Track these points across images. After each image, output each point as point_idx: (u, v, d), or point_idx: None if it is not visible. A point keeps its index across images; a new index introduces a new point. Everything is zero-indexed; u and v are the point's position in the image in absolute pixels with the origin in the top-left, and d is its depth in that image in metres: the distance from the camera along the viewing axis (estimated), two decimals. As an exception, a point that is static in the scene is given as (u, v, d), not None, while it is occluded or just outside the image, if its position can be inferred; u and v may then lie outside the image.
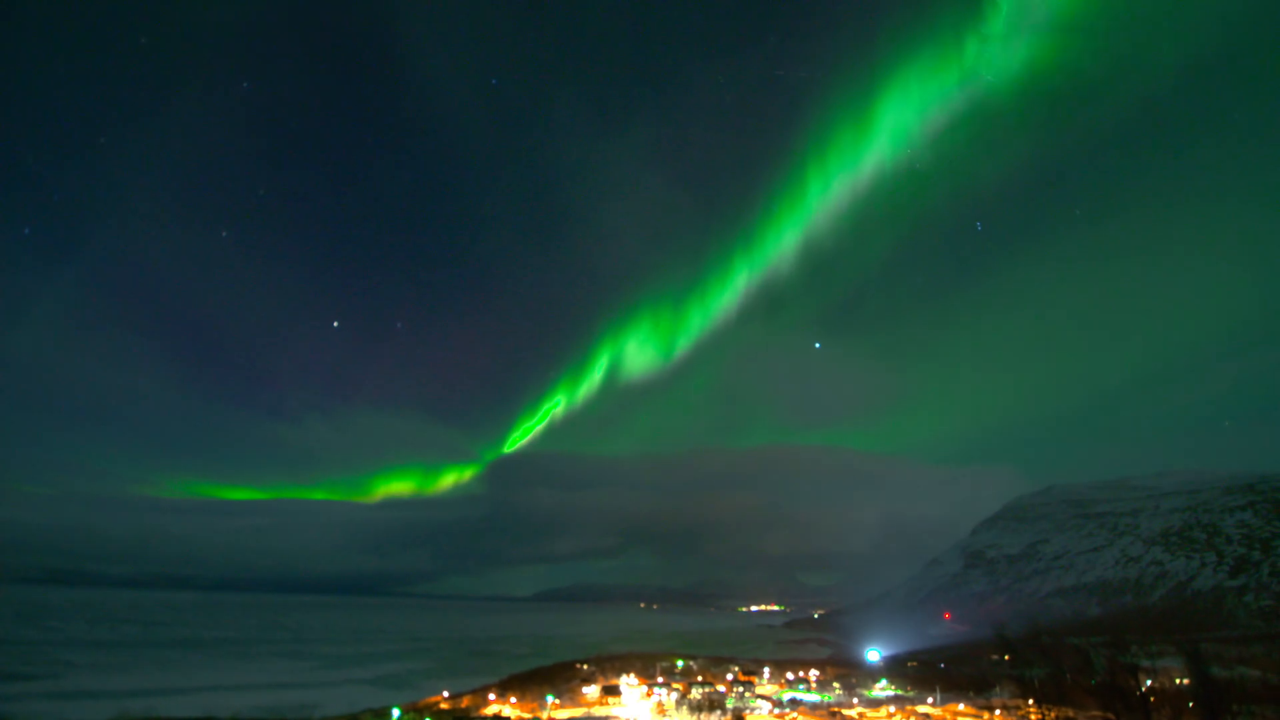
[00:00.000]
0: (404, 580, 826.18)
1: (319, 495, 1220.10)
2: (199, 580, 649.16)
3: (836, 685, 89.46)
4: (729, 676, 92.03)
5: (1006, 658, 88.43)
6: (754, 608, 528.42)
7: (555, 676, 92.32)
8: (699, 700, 74.55)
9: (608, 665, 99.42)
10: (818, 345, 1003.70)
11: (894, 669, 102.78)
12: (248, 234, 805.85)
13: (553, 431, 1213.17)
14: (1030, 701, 68.31)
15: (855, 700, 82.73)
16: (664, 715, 72.64)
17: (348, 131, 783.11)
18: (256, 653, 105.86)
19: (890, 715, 72.61)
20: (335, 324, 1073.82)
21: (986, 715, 71.54)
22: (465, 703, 79.05)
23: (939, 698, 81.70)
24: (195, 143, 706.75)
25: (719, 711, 70.36)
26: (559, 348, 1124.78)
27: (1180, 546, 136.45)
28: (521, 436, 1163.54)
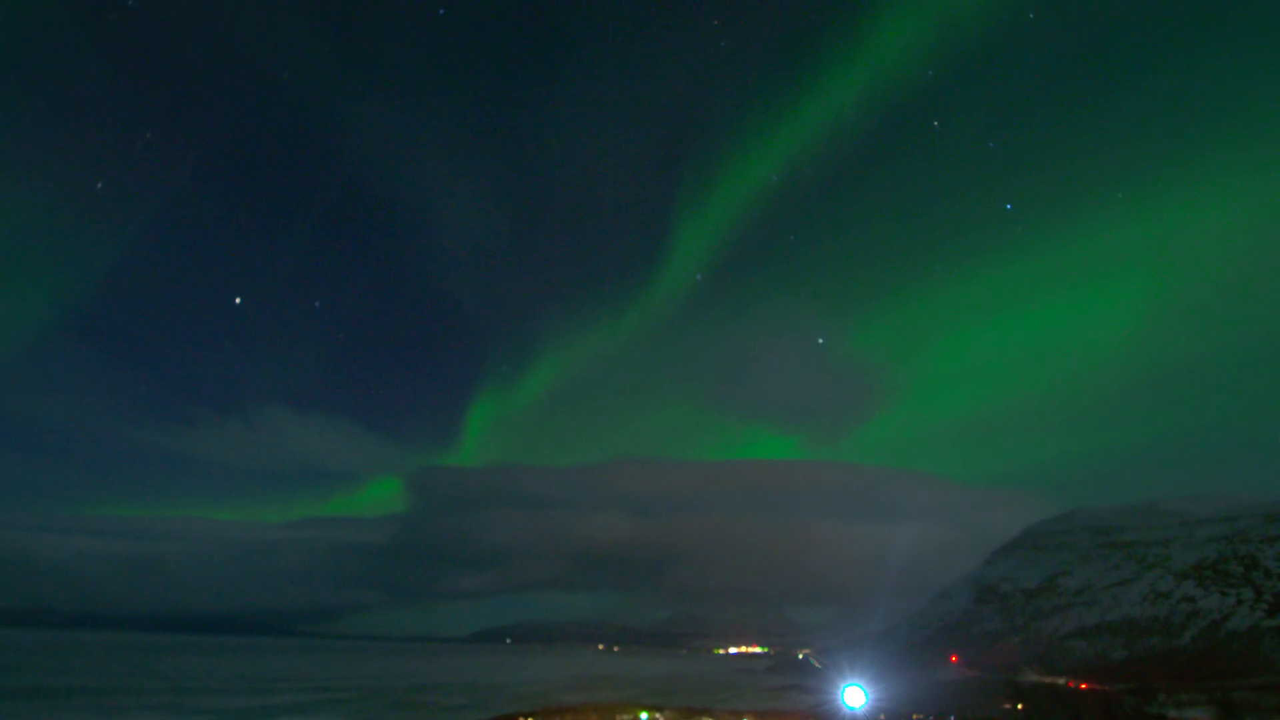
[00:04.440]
0: (312, 616, 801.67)
1: (210, 514, 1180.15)
2: (50, 615, 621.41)
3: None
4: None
5: (1020, 707, 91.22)
6: (732, 649, 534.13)
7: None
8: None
9: (558, 718, 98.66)
10: (820, 341, 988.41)
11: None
12: (129, 183, 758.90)
13: (493, 438, 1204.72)
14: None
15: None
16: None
17: (258, 53, 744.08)
18: (122, 705, 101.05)
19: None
20: (238, 300, 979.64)
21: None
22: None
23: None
24: (63, 69, 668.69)
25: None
26: (500, 334, 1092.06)
27: (1214, 581, 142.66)
28: (459, 444, 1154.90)
